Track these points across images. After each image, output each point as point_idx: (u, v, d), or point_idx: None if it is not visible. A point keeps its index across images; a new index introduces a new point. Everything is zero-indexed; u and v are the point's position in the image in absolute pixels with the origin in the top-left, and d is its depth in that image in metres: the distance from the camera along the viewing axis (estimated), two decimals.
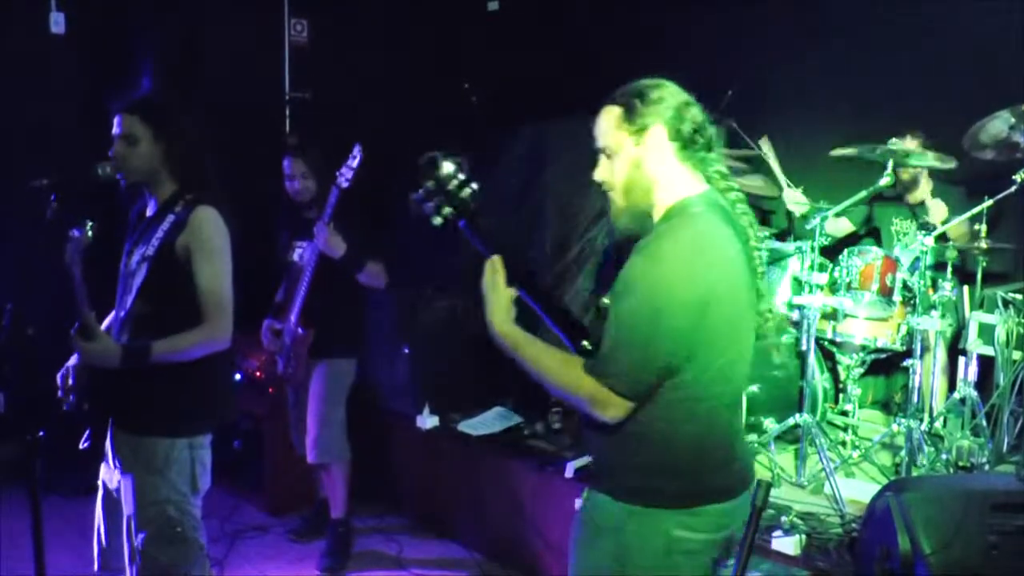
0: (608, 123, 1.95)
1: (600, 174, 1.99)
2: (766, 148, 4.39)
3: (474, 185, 1.96)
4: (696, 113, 1.94)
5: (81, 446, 2.62)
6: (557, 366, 1.90)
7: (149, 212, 2.60)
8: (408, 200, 2.02)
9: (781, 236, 4.72)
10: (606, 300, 1.93)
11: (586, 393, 1.85)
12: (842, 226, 4.48)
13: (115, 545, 2.63)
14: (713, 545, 1.94)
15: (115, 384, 2.48)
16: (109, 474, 2.63)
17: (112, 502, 2.63)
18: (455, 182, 1.95)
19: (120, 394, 2.51)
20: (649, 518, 1.90)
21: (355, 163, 3.59)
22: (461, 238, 2.01)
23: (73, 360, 2.58)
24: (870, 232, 4.57)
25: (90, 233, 2.37)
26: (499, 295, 1.95)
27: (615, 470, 1.96)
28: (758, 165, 4.60)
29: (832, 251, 4.33)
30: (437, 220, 1.95)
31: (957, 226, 3.92)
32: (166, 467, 2.50)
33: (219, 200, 2.56)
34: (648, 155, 1.92)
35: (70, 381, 2.56)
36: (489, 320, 1.96)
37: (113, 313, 2.65)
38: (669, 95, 1.93)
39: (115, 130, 2.53)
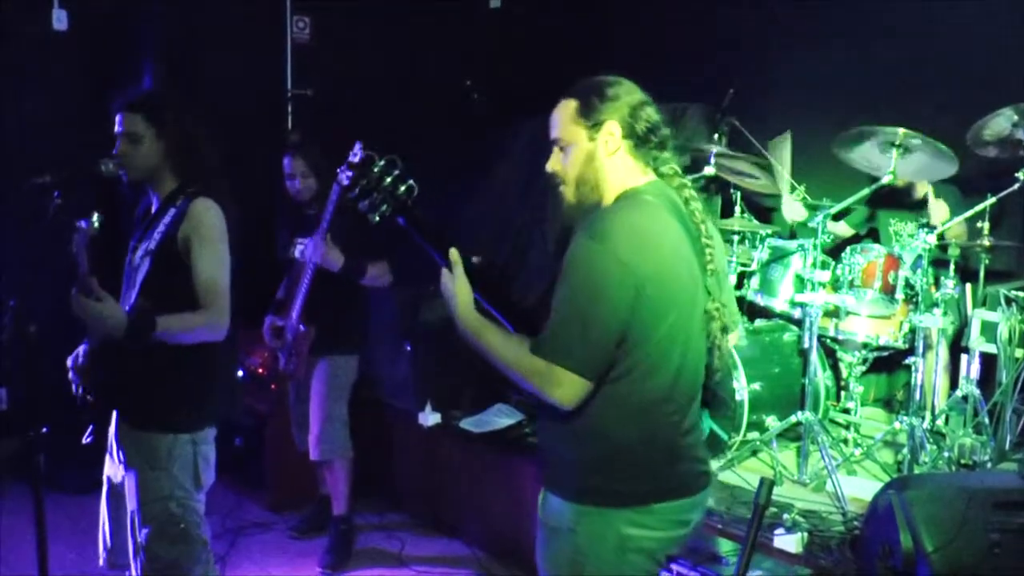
0: (564, 116, 1.98)
1: (552, 165, 2.02)
2: (780, 151, 4.37)
3: (411, 181, 1.98)
4: (651, 113, 1.96)
5: (84, 441, 2.62)
6: (513, 351, 1.91)
7: (153, 209, 2.61)
8: (345, 199, 2.03)
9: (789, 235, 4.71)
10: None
11: (536, 372, 1.85)
12: (840, 230, 4.47)
13: (120, 541, 2.63)
14: (671, 543, 1.96)
15: (119, 378, 2.49)
16: (113, 469, 2.64)
17: (116, 497, 2.64)
18: (389, 179, 1.97)
19: (124, 388, 2.51)
20: (600, 518, 1.91)
21: (356, 160, 3.57)
22: (407, 235, 2.03)
23: (83, 347, 2.57)
24: (870, 233, 4.56)
25: (97, 224, 2.35)
26: (461, 284, 1.97)
27: (560, 467, 1.98)
28: (762, 165, 4.59)
29: (834, 249, 4.33)
30: (375, 217, 1.98)
31: (955, 226, 3.92)
32: (169, 463, 2.50)
33: (221, 194, 2.56)
34: (601, 150, 1.94)
35: (80, 361, 2.53)
36: (455, 311, 1.98)
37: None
38: (625, 93, 1.96)
39: (117, 128, 2.53)
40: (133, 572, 2.56)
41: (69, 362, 2.57)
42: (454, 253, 1.99)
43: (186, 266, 2.47)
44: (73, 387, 2.57)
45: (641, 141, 1.95)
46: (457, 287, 1.97)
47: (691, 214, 1.97)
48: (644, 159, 1.97)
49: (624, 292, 1.81)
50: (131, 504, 2.53)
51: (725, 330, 1.98)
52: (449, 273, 1.99)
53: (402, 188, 1.98)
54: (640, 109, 1.95)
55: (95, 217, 2.33)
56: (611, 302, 1.81)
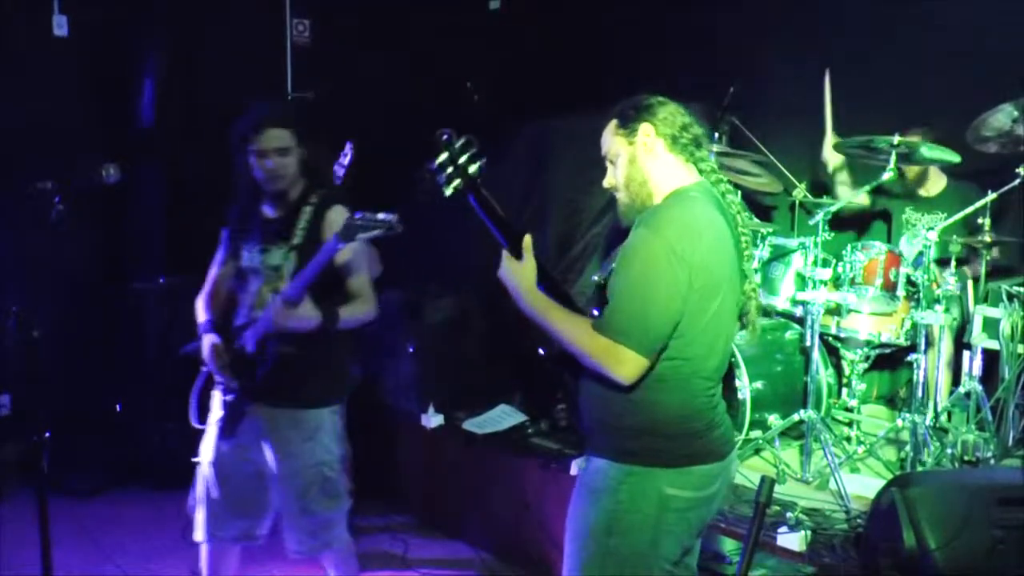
0: (607, 133, 2.23)
1: (607, 181, 2.25)
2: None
3: (482, 161, 2.15)
4: (683, 115, 2.19)
5: (200, 424, 2.90)
6: (579, 329, 2.08)
7: (271, 213, 2.89)
8: (423, 171, 2.18)
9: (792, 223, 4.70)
10: (596, 278, 2.18)
11: (599, 350, 2.02)
12: (859, 199, 4.37)
13: (225, 514, 2.93)
14: (697, 503, 2.14)
15: (276, 364, 2.79)
16: (232, 449, 2.90)
17: (229, 474, 2.89)
18: (465, 157, 2.14)
19: (283, 372, 2.80)
20: (645, 477, 2.09)
21: (346, 160, 3.60)
22: (480, 225, 2.17)
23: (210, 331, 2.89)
24: (880, 226, 4.55)
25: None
26: (528, 268, 2.15)
27: (609, 433, 2.14)
28: (763, 163, 4.60)
29: (835, 246, 4.32)
30: (448, 191, 2.15)
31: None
32: (321, 433, 2.87)
33: (344, 199, 2.87)
34: (640, 150, 2.17)
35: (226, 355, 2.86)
36: (519, 288, 2.15)
37: (239, 307, 2.94)
38: (656, 103, 2.19)
39: (266, 144, 2.77)
40: (294, 534, 2.90)
41: (208, 353, 2.85)
42: (527, 240, 2.15)
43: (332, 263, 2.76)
44: (220, 376, 2.87)
45: (676, 138, 2.16)
46: (524, 270, 2.15)
47: (728, 206, 2.20)
48: (683, 156, 2.18)
49: (679, 279, 2.00)
50: (286, 472, 2.83)
51: (760, 310, 2.25)
52: (510, 256, 2.16)
53: (474, 167, 2.15)
54: (671, 112, 2.18)
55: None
56: (667, 287, 2.00)
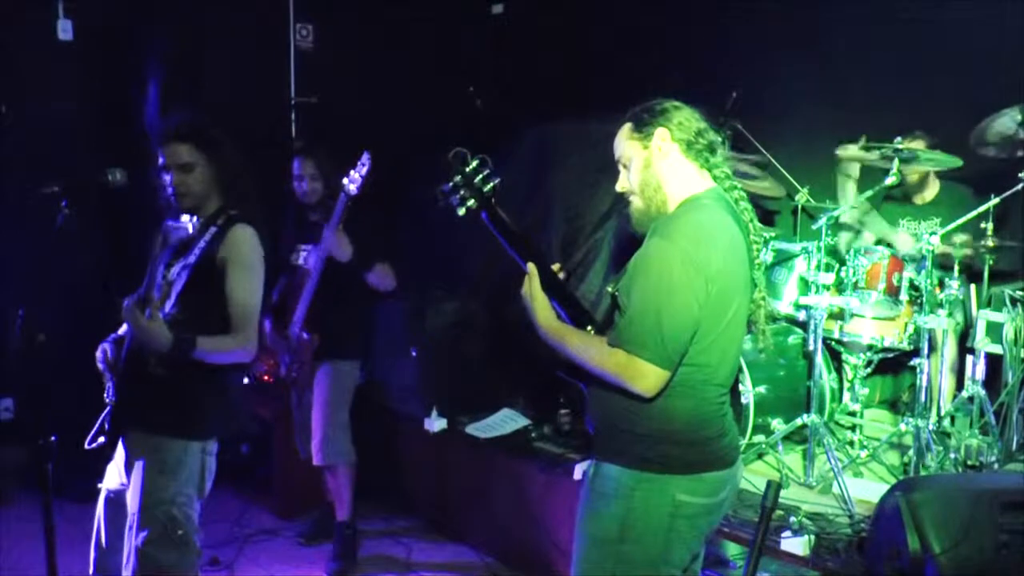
0: (621, 137, 2.21)
1: (620, 184, 2.24)
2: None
3: (496, 180, 2.17)
4: (697, 120, 2.19)
5: (87, 446, 2.63)
6: (596, 350, 2.08)
7: (191, 230, 2.65)
8: (436, 192, 2.19)
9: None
10: (609, 288, 2.15)
11: (619, 365, 2.02)
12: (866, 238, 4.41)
13: (115, 547, 2.66)
14: (708, 509, 2.15)
15: (143, 383, 2.53)
16: (116, 477, 2.66)
17: (115, 506, 2.65)
18: (480, 176, 2.16)
19: (146, 393, 2.56)
20: (658, 484, 2.09)
21: (364, 171, 3.60)
22: (484, 229, 2.19)
23: (109, 344, 2.65)
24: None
25: (191, 229, 2.41)
26: (539, 298, 2.17)
27: (622, 439, 2.12)
28: (764, 167, 4.60)
29: (839, 251, 4.32)
30: (462, 211, 2.16)
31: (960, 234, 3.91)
32: (178, 469, 2.55)
33: (257, 219, 2.68)
34: (655, 155, 2.15)
35: (111, 356, 2.63)
36: (535, 320, 2.17)
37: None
38: (671, 107, 2.19)
39: (164, 159, 2.60)
40: None
41: (99, 355, 2.64)
42: (532, 267, 2.17)
43: (220, 285, 2.58)
44: (108, 384, 2.63)
45: (691, 143, 2.16)
46: (535, 301, 2.16)
47: (742, 213, 2.20)
48: (698, 161, 2.17)
49: (695, 288, 2.01)
50: (132, 507, 2.54)
51: (769, 318, 2.27)
52: (529, 283, 2.18)
53: (488, 186, 2.16)
54: (686, 117, 2.17)
55: (188, 219, 2.41)
56: (684, 297, 2.00)
